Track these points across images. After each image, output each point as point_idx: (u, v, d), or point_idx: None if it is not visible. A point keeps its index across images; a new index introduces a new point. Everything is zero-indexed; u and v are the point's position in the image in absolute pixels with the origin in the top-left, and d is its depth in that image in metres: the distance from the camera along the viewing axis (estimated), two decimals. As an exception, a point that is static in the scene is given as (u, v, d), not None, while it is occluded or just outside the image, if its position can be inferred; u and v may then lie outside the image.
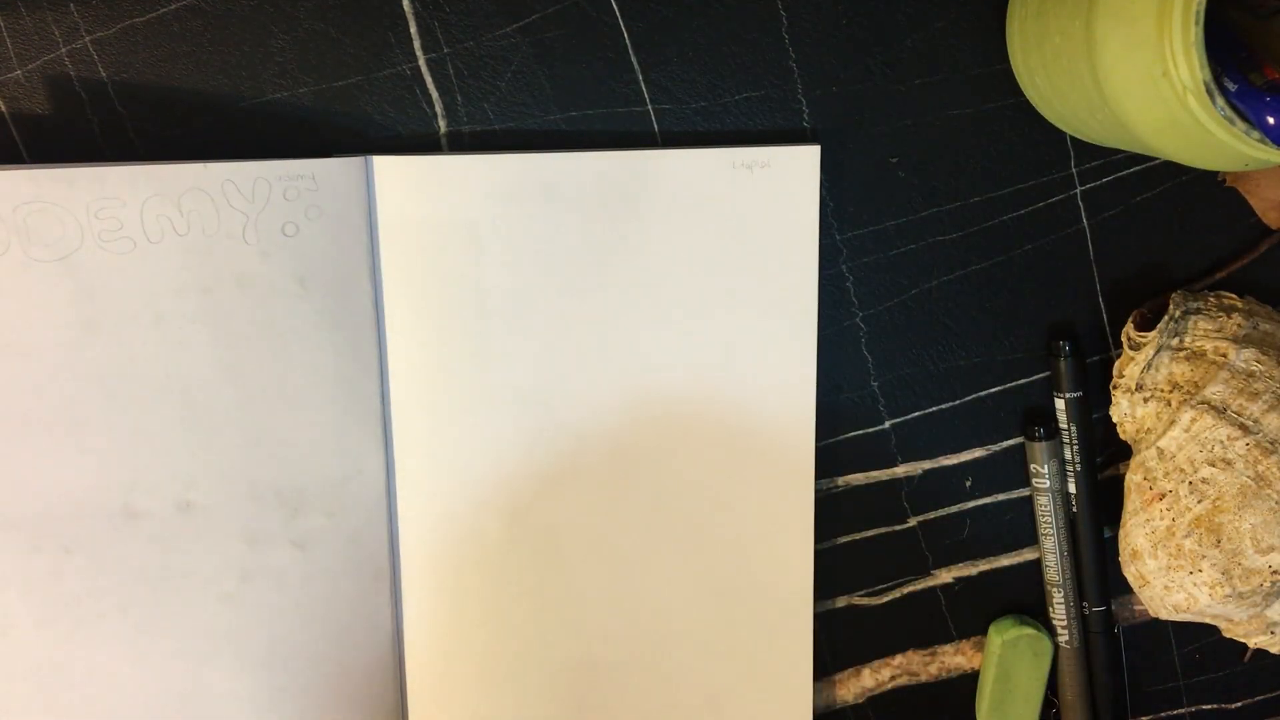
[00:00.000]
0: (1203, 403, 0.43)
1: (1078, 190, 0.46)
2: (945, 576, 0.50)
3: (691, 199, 0.44)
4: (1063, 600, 0.49)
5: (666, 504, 0.46)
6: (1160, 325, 0.44)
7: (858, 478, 0.48)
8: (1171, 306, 0.45)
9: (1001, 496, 0.49)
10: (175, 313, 0.42)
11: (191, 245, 0.41)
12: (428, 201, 0.43)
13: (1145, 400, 0.45)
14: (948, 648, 0.51)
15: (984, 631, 0.50)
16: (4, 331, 0.40)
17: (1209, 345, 0.44)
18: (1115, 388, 0.46)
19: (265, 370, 0.43)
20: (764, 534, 0.47)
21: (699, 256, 0.45)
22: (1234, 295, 0.46)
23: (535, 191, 0.44)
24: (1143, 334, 0.45)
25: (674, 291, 0.45)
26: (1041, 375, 0.48)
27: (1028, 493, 0.49)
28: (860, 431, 0.48)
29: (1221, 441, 0.43)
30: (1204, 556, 0.43)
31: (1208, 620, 0.45)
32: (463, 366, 0.45)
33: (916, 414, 0.48)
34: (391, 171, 0.43)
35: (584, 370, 0.45)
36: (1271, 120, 0.34)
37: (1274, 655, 0.51)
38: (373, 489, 0.45)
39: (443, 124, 0.44)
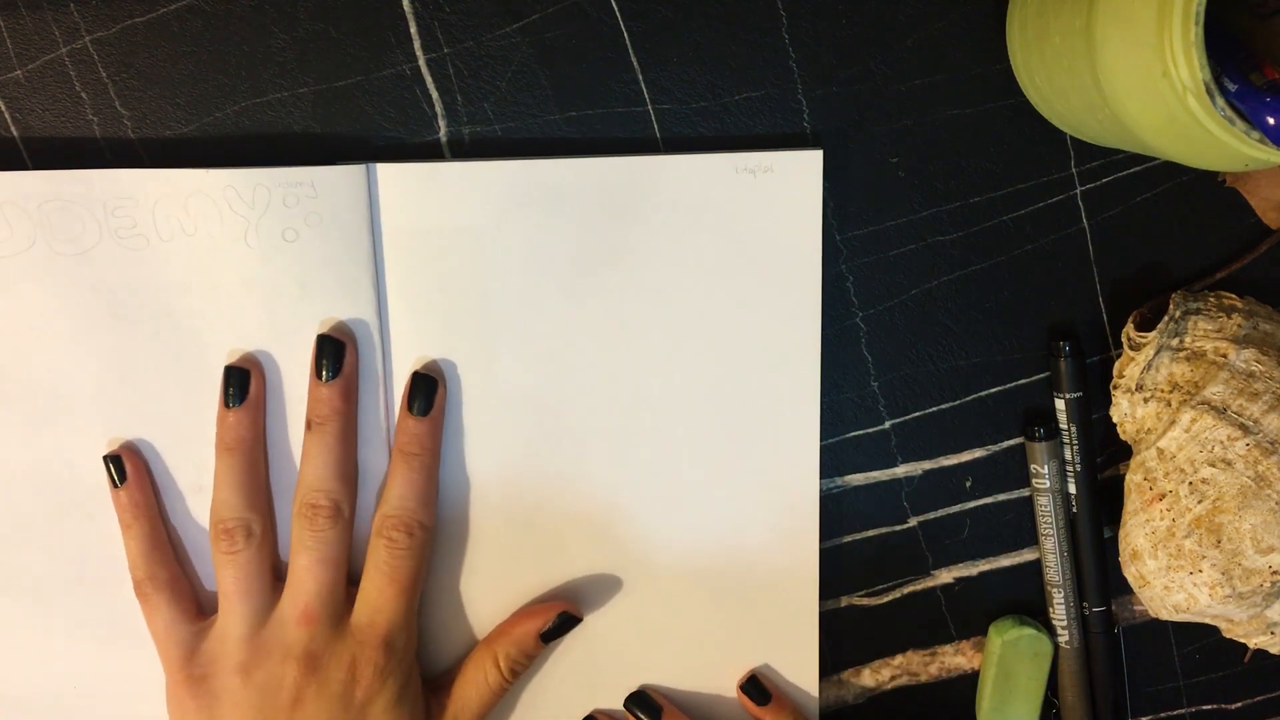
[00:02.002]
0: (1203, 403, 0.43)
1: (1078, 190, 0.46)
2: (945, 576, 0.50)
3: (694, 203, 0.44)
4: (1063, 600, 0.49)
5: (670, 505, 0.46)
6: (1160, 325, 0.44)
7: (858, 478, 0.48)
8: (1171, 306, 0.45)
9: (1001, 496, 0.49)
10: (186, 308, 0.43)
11: (198, 246, 0.42)
12: (431, 208, 0.43)
13: (1145, 400, 0.45)
14: (948, 648, 0.51)
15: (984, 631, 0.50)
16: (35, 317, 0.43)
17: (1209, 345, 0.44)
18: (1115, 388, 0.46)
19: (270, 370, 0.44)
20: (768, 534, 0.47)
21: (702, 261, 0.45)
22: (1234, 295, 0.46)
23: (538, 197, 0.44)
24: (1143, 334, 0.45)
25: (677, 296, 0.45)
26: (1041, 375, 0.48)
27: (1028, 493, 0.49)
28: (860, 431, 0.48)
29: (1221, 442, 0.43)
30: (1204, 557, 0.43)
31: (1208, 620, 0.45)
32: (466, 372, 0.45)
33: (916, 414, 0.48)
34: (394, 178, 0.43)
35: (588, 375, 0.45)
36: (1271, 120, 0.34)
37: (1274, 655, 0.51)
38: (376, 493, 0.45)
39: (443, 124, 0.44)
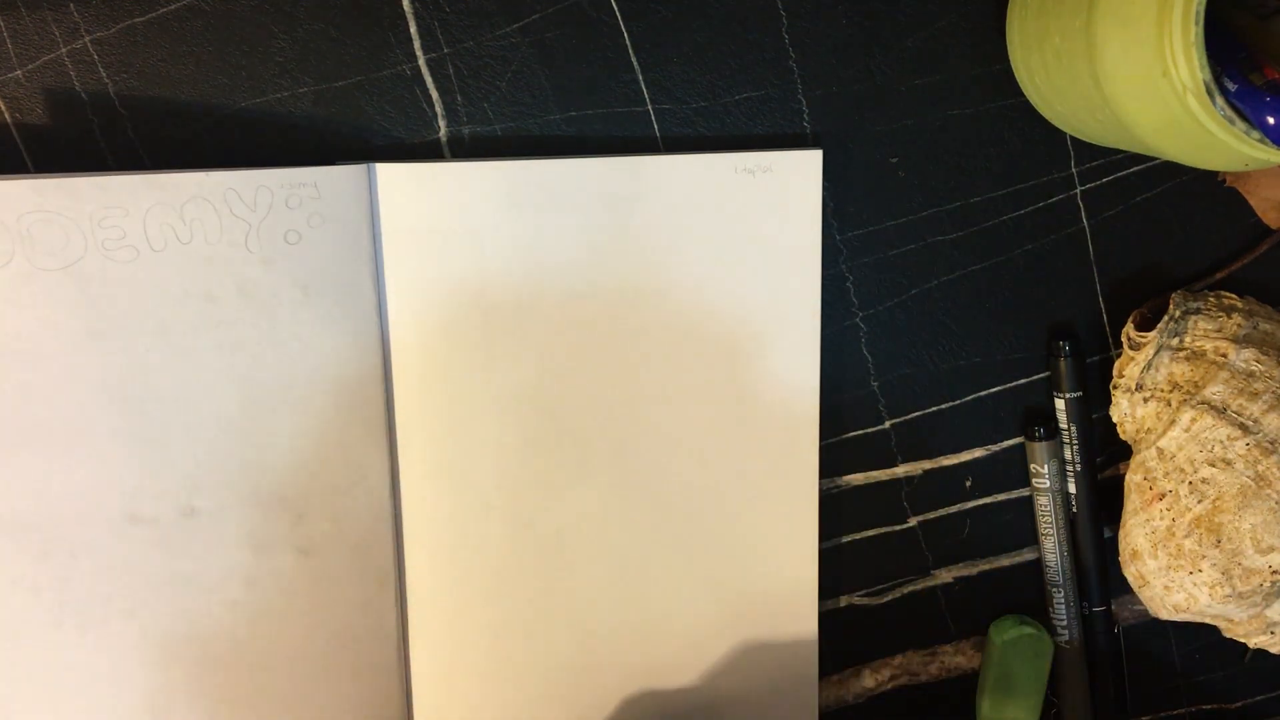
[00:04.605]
0: (1203, 403, 0.43)
1: (1078, 190, 0.46)
2: (945, 576, 0.50)
3: (694, 203, 0.44)
4: (1063, 600, 0.49)
5: (671, 506, 0.46)
6: (1160, 325, 0.44)
7: (858, 478, 0.48)
8: (1171, 306, 0.45)
9: (1001, 496, 0.49)
10: (178, 320, 0.42)
11: (194, 253, 0.42)
12: (431, 208, 0.43)
13: (1145, 400, 0.45)
14: (948, 648, 0.51)
15: (984, 631, 0.50)
16: (11, 339, 0.40)
17: (1209, 345, 0.44)
18: (1115, 388, 0.46)
19: (269, 377, 0.43)
20: (768, 535, 0.47)
21: (702, 261, 0.45)
22: (1234, 295, 0.46)
23: (538, 197, 0.44)
24: (1143, 334, 0.45)
25: (677, 295, 0.45)
26: (1041, 375, 0.48)
27: (1028, 493, 0.49)
28: (860, 431, 0.48)
29: (1221, 441, 0.43)
30: (1204, 556, 0.43)
31: (1208, 620, 0.45)
32: (466, 372, 0.45)
33: (916, 414, 0.48)
34: (395, 178, 0.43)
35: (587, 374, 0.45)
36: (1271, 120, 0.34)
37: (1274, 655, 0.51)
38: (377, 495, 0.45)
39: (443, 124, 0.44)
